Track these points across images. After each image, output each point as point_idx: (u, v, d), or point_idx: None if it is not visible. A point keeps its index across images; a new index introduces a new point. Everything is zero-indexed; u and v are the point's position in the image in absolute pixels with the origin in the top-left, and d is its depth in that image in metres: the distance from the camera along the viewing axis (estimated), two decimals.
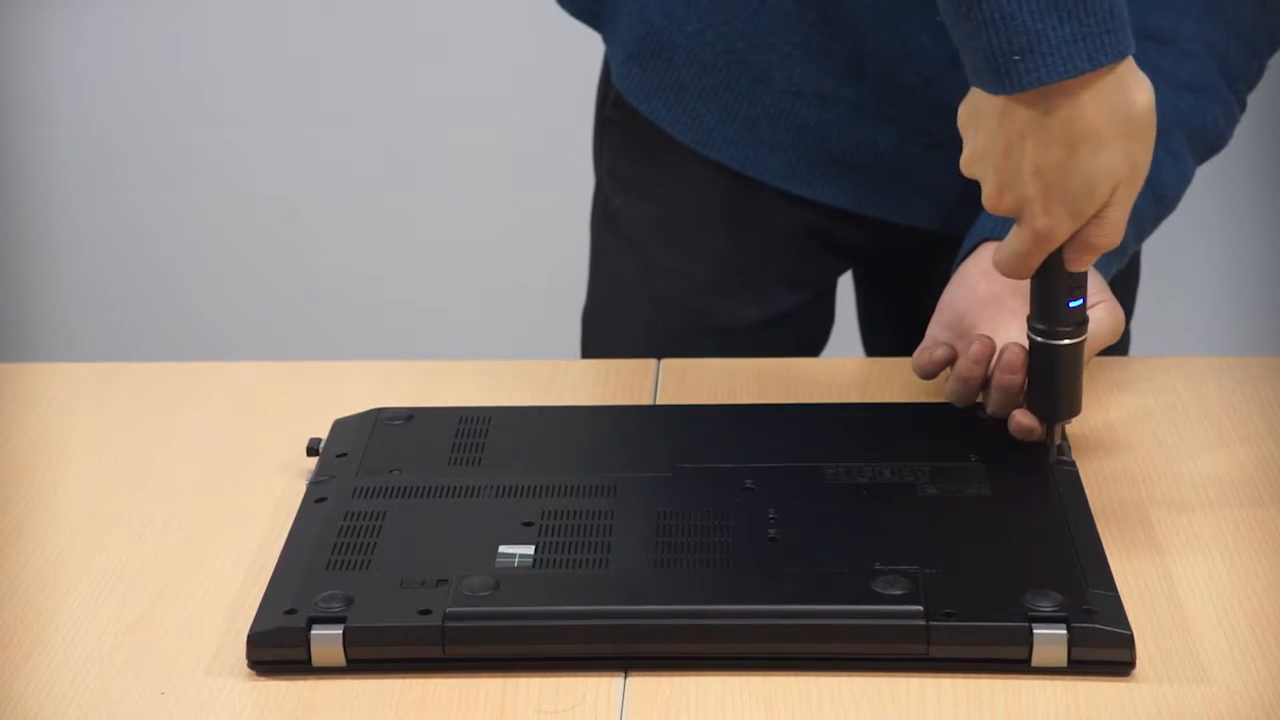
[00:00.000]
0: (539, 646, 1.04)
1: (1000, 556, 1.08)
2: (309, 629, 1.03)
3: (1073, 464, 1.18)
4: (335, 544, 1.11)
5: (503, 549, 1.09)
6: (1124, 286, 1.47)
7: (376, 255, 2.69)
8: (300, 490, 1.18)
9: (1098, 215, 1.10)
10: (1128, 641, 1.02)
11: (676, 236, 1.46)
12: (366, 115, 2.64)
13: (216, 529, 1.18)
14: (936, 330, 1.29)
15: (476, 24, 2.58)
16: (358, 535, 1.12)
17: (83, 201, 2.70)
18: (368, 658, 1.04)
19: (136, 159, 2.67)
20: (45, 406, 1.36)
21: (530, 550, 1.09)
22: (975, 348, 1.23)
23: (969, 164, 1.12)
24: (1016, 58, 1.05)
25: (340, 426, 1.25)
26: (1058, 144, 1.07)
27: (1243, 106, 1.34)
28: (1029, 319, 1.16)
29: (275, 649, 1.04)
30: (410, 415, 1.26)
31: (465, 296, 2.68)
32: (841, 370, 1.39)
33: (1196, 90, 1.29)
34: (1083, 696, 1.01)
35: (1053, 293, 1.14)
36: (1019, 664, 1.02)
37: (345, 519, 1.13)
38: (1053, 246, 1.11)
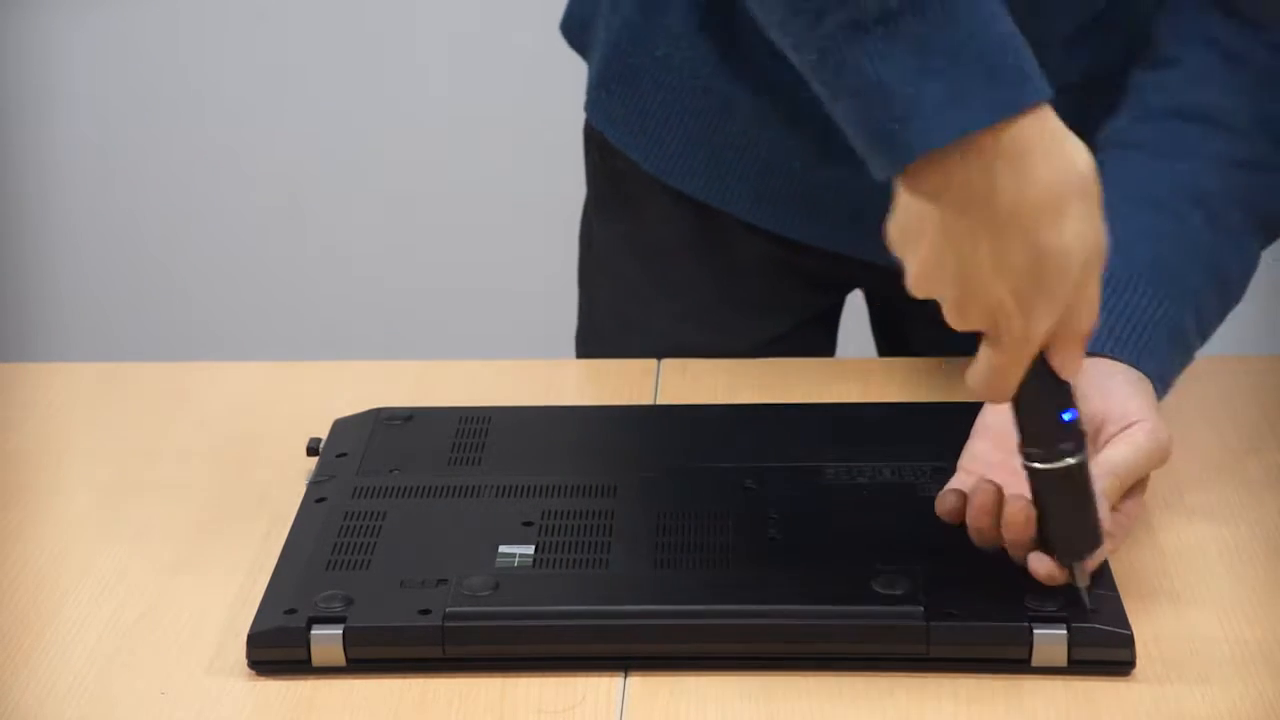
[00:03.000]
0: (539, 646, 1.04)
1: (1000, 556, 1.08)
2: (309, 629, 1.03)
3: None
4: (335, 544, 1.11)
5: (503, 549, 1.09)
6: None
7: (377, 255, 2.69)
8: (300, 490, 1.18)
9: (1074, 299, 0.96)
10: (1128, 641, 1.02)
11: (648, 263, 1.45)
12: (367, 115, 2.64)
13: (216, 529, 1.18)
14: (968, 460, 1.12)
15: (479, 24, 2.58)
16: (358, 535, 1.12)
17: (83, 201, 2.70)
18: (368, 658, 1.04)
19: (136, 159, 2.67)
20: (45, 406, 1.36)
21: (530, 550, 1.09)
22: (979, 499, 1.06)
23: (919, 283, 0.98)
24: (895, 126, 0.94)
25: (340, 426, 1.25)
26: (1014, 230, 0.94)
27: None
28: (1020, 448, 1.01)
29: (275, 649, 1.04)
30: (410, 415, 1.26)
31: (465, 296, 2.68)
32: (842, 370, 1.39)
33: (1254, 168, 1.20)
34: (1083, 696, 1.01)
35: (1042, 409, 1.00)
36: (1019, 664, 1.02)
37: (345, 519, 1.13)
38: (1034, 351, 0.97)
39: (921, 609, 1.02)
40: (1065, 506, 1.02)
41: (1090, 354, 1.06)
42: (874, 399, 1.32)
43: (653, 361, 1.39)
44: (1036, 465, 1.01)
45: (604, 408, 1.32)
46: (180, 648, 1.07)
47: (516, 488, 1.17)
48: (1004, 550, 1.06)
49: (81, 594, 1.12)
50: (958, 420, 1.23)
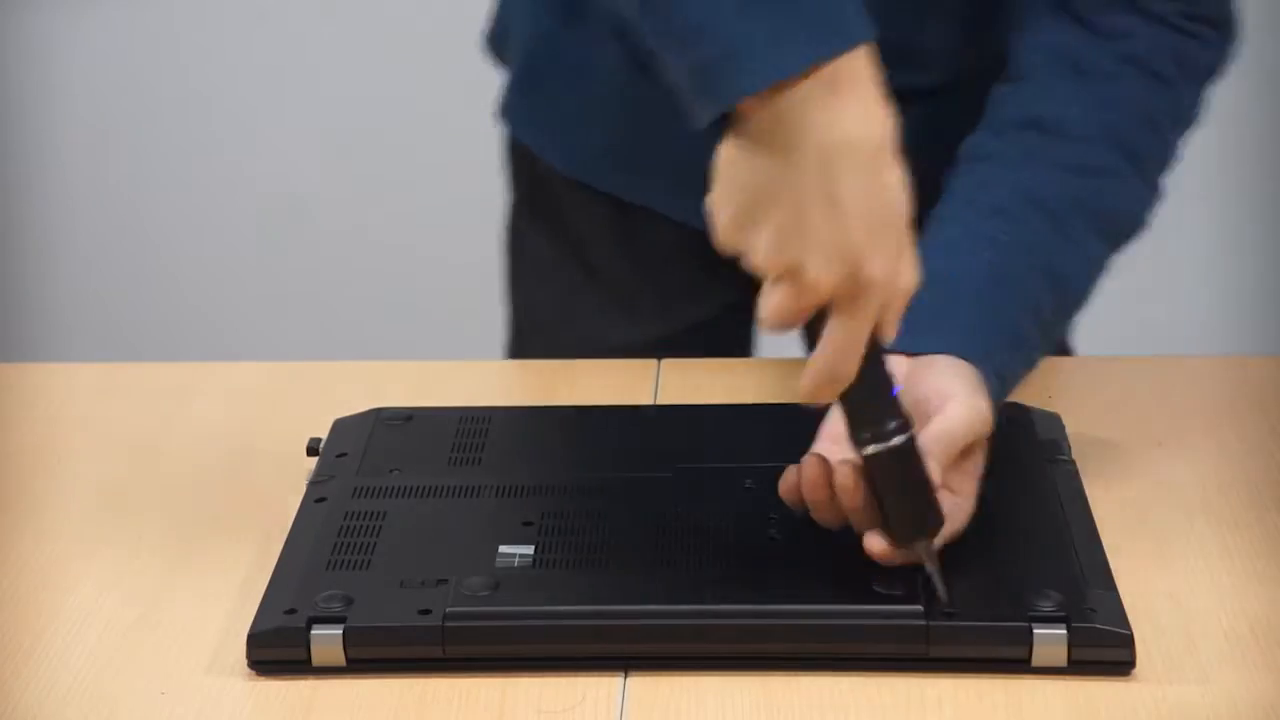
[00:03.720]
0: (539, 646, 1.04)
1: (1000, 556, 1.08)
2: (309, 629, 1.03)
3: (1073, 464, 1.18)
4: (335, 544, 1.11)
5: (503, 549, 1.09)
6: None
7: (377, 255, 2.69)
8: (300, 490, 1.18)
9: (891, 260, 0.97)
10: (1128, 641, 1.02)
11: (573, 260, 1.46)
12: (368, 115, 2.64)
13: (216, 529, 1.18)
14: (822, 441, 1.12)
15: (480, 24, 2.58)
16: (358, 535, 1.12)
17: (83, 201, 2.70)
18: (368, 658, 1.04)
19: (136, 159, 2.67)
20: (45, 406, 1.36)
21: (530, 550, 1.09)
22: (807, 471, 1.06)
23: (729, 232, 0.98)
24: (715, 69, 0.95)
25: (340, 426, 1.25)
26: (843, 168, 0.95)
27: (1155, 189, 1.25)
28: (850, 436, 1.03)
29: (275, 649, 1.04)
30: (410, 415, 1.26)
31: (465, 296, 2.67)
32: None
33: (1094, 174, 1.21)
34: (1083, 696, 1.01)
35: (873, 389, 1.01)
36: (1019, 664, 1.02)
37: (345, 519, 1.13)
38: (875, 311, 0.98)
39: (921, 609, 1.02)
40: (899, 488, 1.03)
41: (924, 353, 1.10)
42: None
43: (653, 362, 1.39)
44: (869, 450, 1.02)
45: (604, 408, 1.32)
46: (180, 648, 1.07)
47: (516, 488, 1.17)
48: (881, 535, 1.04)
49: (81, 594, 1.12)
50: None
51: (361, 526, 1.13)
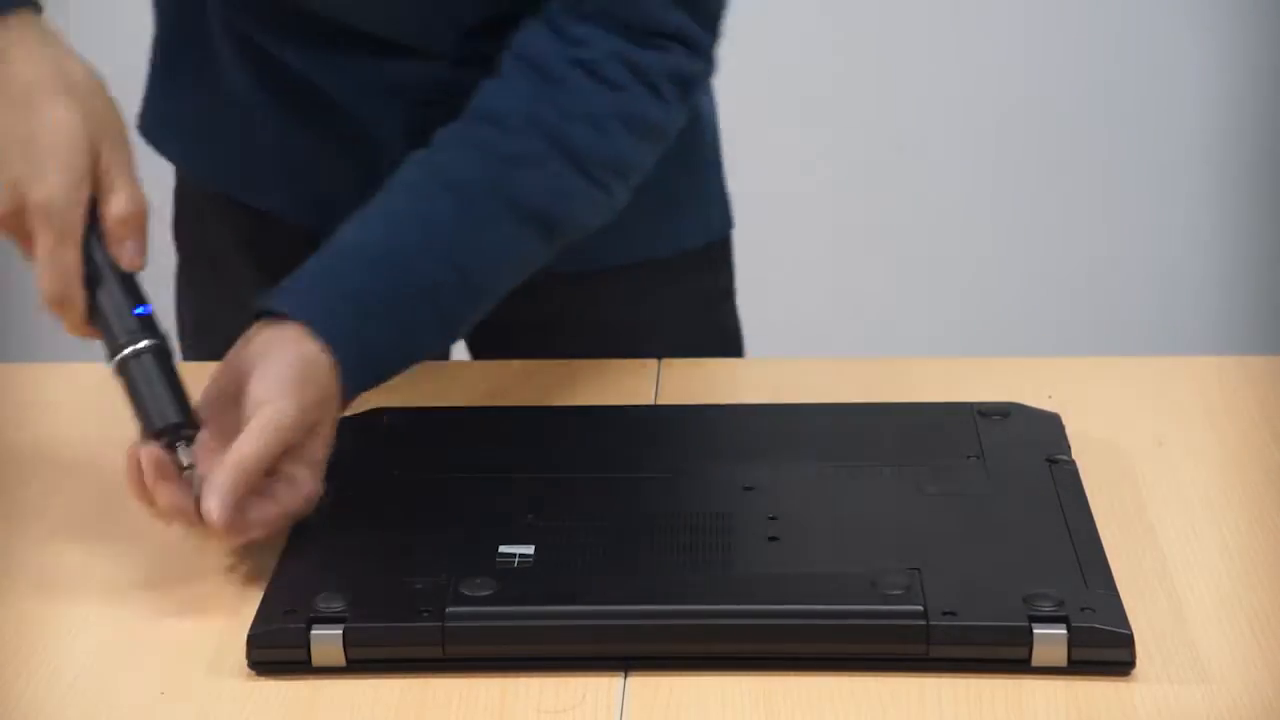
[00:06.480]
0: (539, 646, 1.04)
1: (1000, 556, 1.08)
2: (309, 629, 1.03)
3: (1073, 464, 1.18)
4: (335, 544, 1.11)
5: (503, 549, 1.09)
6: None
7: None
8: None
9: (100, 183, 1.12)
10: (1128, 641, 1.02)
11: (216, 273, 1.51)
12: None
13: None
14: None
15: None
16: (358, 535, 1.12)
17: None
18: (368, 658, 1.04)
19: (136, 158, 2.66)
20: (45, 406, 1.36)
21: (530, 550, 1.09)
22: (128, 466, 1.11)
23: None
24: None
25: (341, 426, 1.25)
26: (12, 111, 1.11)
27: (601, 186, 1.27)
28: (107, 358, 1.13)
29: (275, 649, 1.04)
30: (411, 415, 1.26)
31: None
32: (842, 370, 1.39)
33: (519, 163, 1.24)
34: (1083, 696, 1.01)
35: (112, 308, 1.12)
36: (1019, 664, 1.02)
37: (345, 519, 1.13)
38: (70, 230, 1.11)
39: (921, 609, 1.03)
40: (153, 381, 1.11)
41: (290, 318, 1.15)
42: (874, 399, 1.32)
43: (653, 362, 1.39)
44: (124, 354, 1.11)
45: (604, 408, 1.32)
46: (180, 648, 1.07)
47: (516, 488, 1.17)
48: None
49: (81, 594, 1.12)
50: (957, 420, 1.24)
51: (362, 527, 1.13)
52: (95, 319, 1.13)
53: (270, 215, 1.43)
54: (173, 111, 1.45)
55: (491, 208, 1.22)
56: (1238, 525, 1.16)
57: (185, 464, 1.10)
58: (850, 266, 2.79)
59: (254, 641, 1.04)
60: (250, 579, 1.12)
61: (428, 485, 1.18)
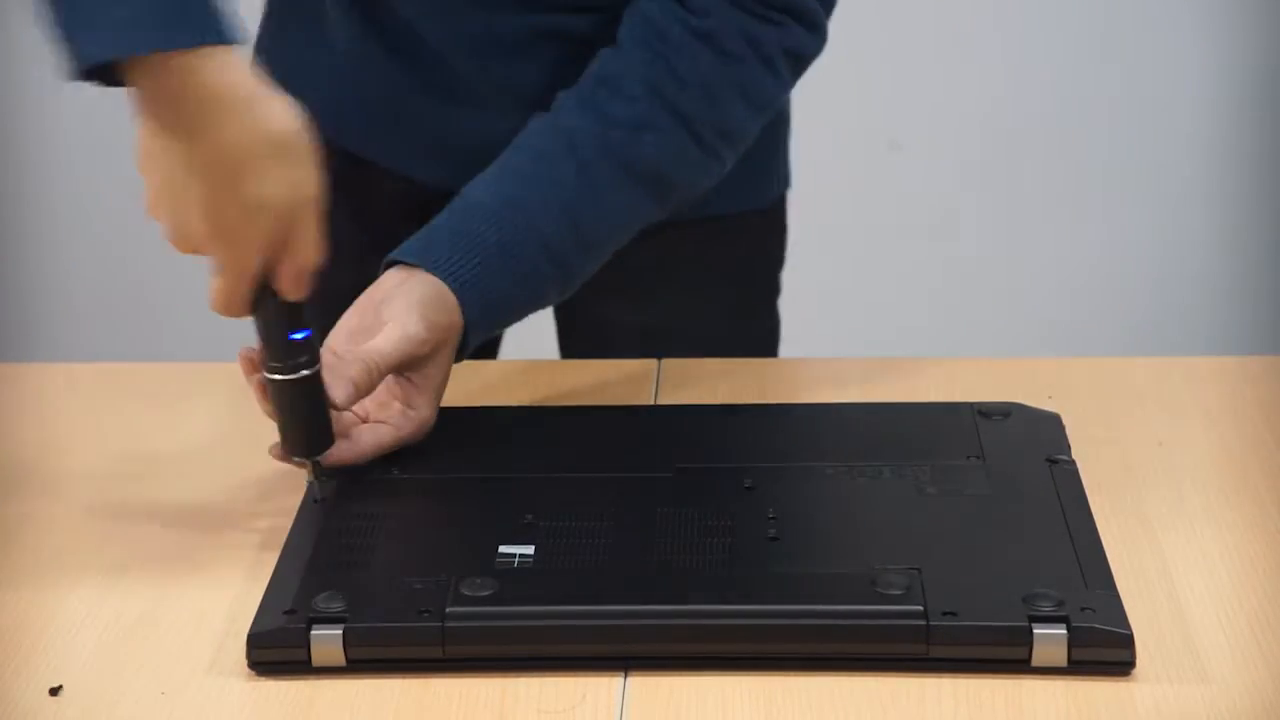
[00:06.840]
0: (539, 646, 1.04)
1: (1000, 556, 1.08)
2: (309, 629, 1.03)
3: (1073, 464, 1.18)
4: (335, 544, 1.11)
5: (503, 549, 1.09)
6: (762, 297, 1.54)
7: None
8: (300, 490, 1.18)
9: (287, 240, 1.08)
10: (1128, 641, 1.02)
11: None
12: None
13: (216, 529, 1.18)
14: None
15: None
16: (358, 535, 1.12)
17: (83, 201, 2.70)
18: (368, 658, 1.04)
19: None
20: (45, 406, 1.36)
21: (530, 550, 1.09)
22: (242, 353, 1.18)
23: (152, 208, 1.09)
24: (66, 34, 1.06)
25: None
26: (215, 178, 1.05)
27: (713, 154, 1.32)
28: (262, 361, 1.15)
29: (275, 649, 1.04)
30: None
31: None
32: (842, 370, 1.39)
33: (635, 128, 1.29)
34: (1083, 696, 1.01)
35: (273, 329, 1.13)
36: (1019, 664, 1.02)
37: (345, 519, 1.13)
38: (248, 281, 1.09)
39: (921, 609, 1.03)
40: (290, 412, 1.15)
41: (414, 264, 1.22)
42: (874, 399, 1.32)
43: (653, 361, 1.39)
44: (273, 377, 1.14)
45: (604, 408, 1.32)
46: (180, 648, 1.07)
47: (516, 487, 1.17)
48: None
49: (82, 594, 1.12)
50: (957, 420, 1.24)
51: (361, 527, 1.13)
52: (256, 330, 1.15)
53: (366, 161, 1.44)
54: (277, 57, 1.43)
55: (609, 170, 1.29)
56: (1238, 525, 1.16)
57: (317, 497, 1.17)
58: (850, 266, 2.79)
59: (254, 641, 1.04)
60: (250, 579, 1.12)
61: (428, 485, 1.18)
